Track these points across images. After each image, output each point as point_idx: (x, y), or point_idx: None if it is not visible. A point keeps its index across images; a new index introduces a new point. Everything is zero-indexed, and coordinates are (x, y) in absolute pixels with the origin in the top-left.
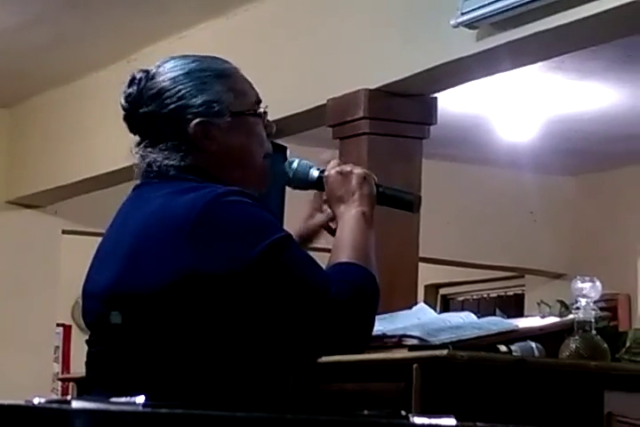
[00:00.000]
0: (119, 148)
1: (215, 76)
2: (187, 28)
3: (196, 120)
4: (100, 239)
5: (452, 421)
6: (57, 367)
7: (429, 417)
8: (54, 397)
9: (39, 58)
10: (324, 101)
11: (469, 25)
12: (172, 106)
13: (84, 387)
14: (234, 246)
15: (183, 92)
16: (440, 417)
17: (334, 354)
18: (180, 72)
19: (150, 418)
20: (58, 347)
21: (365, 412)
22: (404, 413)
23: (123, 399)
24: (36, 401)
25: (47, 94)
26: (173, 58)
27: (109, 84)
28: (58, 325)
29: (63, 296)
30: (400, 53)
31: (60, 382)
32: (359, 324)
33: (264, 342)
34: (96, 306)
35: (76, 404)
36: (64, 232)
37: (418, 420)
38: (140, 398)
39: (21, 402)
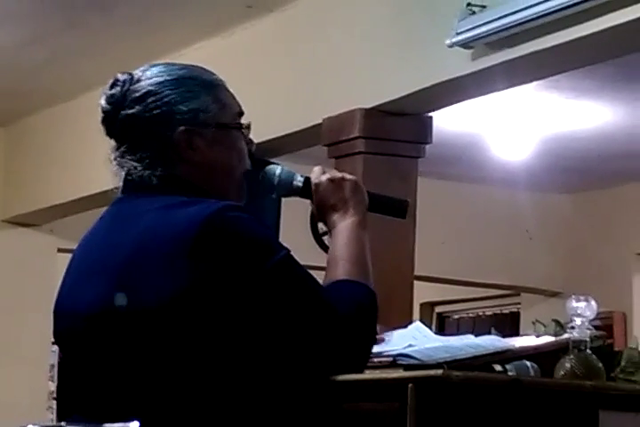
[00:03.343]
0: None
1: (202, 86)
2: (183, 46)
3: (182, 128)
4: None
5: None
6: (52, 386)
7: None
8: (50, 416)
9: (35, 77)
10: (320, 121)
11: (465, 45)
12: (157, 111)
13: (60, 410)
14: (239, 263)
15: (170, 97)
16: None
17: (336, 373)
18: (168, 78)
19: None
20: (53, 366)
21: None
22: None
23: (117, 425)
24: None
25: (43, 113)
26: (159, 64)
27: None
28: (53, 343)
29: None
30: (395, 73)
31: (55, 401)
32: (363, 343)
33: (266, 364)
34: (79, 325)
35: None
36: (60, 251)
37: None
38: (134, 425)
39: None
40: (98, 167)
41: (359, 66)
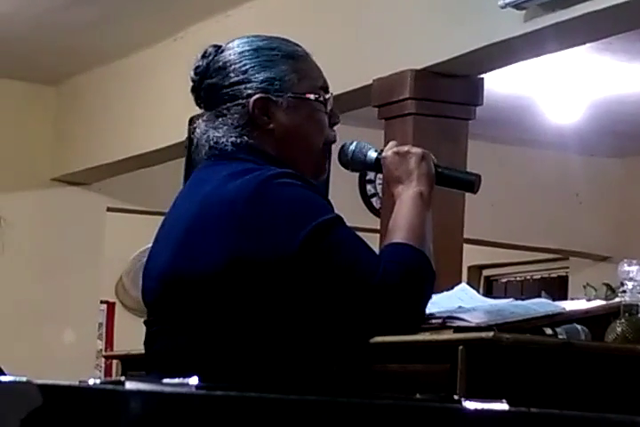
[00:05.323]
0: (164, 126)
1: (283, 57)
2: (233, 6)
3: (256, 96)
4: (143, 217)
5: (505, 406)
6: (100, 344)
7: (481, 402)
8: (98, 373)
9: (86, 35)
10: (370, 81)
11: (517, 6)
12: (235, 79)
13: (143, 367)
14: (281, 229)
15: (247, 66)
16: (492, 402)
17: (384, 335)
18: (248, 48)
19: (204, 400)
20: (101, 324)
21: (418, 395)
22: (456, 397)
23: (175, 380)
24: (91, 382)
25: (93, 72)
26: (245, 36)
27: (156, 62)
28: (102, 302)
29: (107, 273)
30: (447, 34)
31: (103, 359)
32: (408, 306)
33: (313, 325)
34: (154, 286)
35: (129, 385)
36: (109, 210)
37: (470, 404)
38: (194, 380)
39: (75, 383)
40: (147, 127)
41: (410, 27)
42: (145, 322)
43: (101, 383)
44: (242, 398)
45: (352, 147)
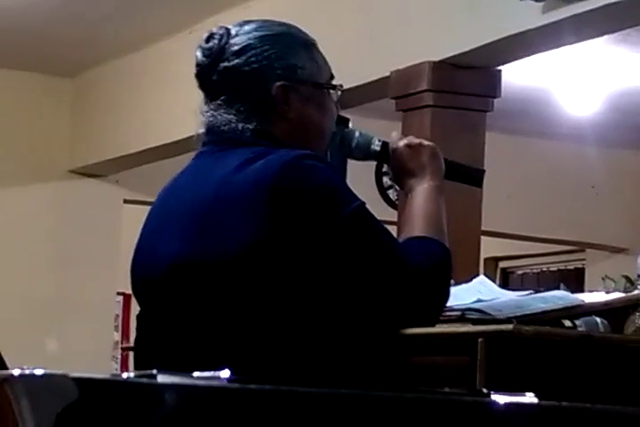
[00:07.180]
0: (180, 118)
1: (300, 44)
2: None
3: (279, 83)
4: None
5: (534, 399)
6: (117, 336)
7: (511, 395)
8: (114, 365)
9: (103, 27)
10: (388, 73)
11: None
12: (257, 64)
13: (138, 362)
14: (318, 211)
15: (270, 52)
16: (521, 395)
17: (408, 326)
18: (268, 33)
19: (237, 394)
20: (118, 315)
21: (447, 389)
22: (485, 390)
23: (207, 374)
24: (124, 375)
25: (110, 64)
26: (256, 20)
27: (172, 54)
28: (118, 293)
29: (123, 265)
30: (465, 25)
31: (119, 351)
32: (436, 297)
33: (342, 314)
34: (158, 275)
35: (162, 378)
36: (126, 202)
37: (500, 398)
38: (225, 373)
39: (110, 376)
40: (164, 119)
41: (428, 18)
42: (139, 316)
43: (135, 377)
44: (276, 391)
45: (356, 134)
